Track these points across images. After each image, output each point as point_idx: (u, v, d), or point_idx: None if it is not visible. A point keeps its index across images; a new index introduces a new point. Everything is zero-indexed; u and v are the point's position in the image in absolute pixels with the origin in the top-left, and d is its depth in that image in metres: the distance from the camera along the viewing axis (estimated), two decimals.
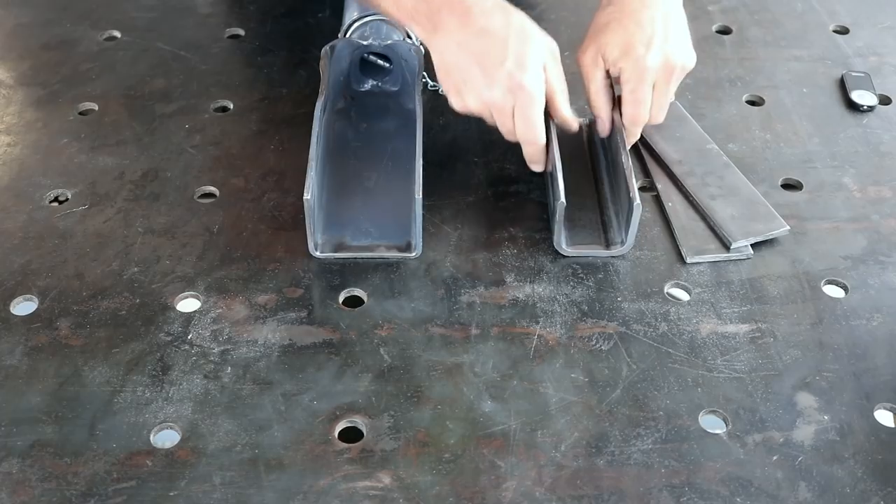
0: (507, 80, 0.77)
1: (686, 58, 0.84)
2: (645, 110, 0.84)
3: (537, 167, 0.84)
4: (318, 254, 0.79)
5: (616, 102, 0.86)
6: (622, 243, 0.79)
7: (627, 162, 0.80)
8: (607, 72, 0.84)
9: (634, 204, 0.76)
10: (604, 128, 0.86)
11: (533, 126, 0.79)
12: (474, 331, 0.75)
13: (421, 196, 0.77)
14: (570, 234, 0.81)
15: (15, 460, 0.66)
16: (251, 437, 0.67)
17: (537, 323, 0.75)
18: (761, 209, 0.83)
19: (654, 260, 0.81)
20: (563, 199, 0.77)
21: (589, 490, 0.64)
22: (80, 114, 0.95)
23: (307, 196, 0.76)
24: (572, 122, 0.83)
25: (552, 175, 0.80)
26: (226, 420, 0.68)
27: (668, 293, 0.78)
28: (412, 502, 0.64)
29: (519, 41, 0.78)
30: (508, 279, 0.78)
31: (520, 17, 0.79)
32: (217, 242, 0.81)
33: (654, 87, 0.83)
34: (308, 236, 0.78)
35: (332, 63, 0.88)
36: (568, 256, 0.80)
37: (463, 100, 0.80)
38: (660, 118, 0.85)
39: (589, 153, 0.89)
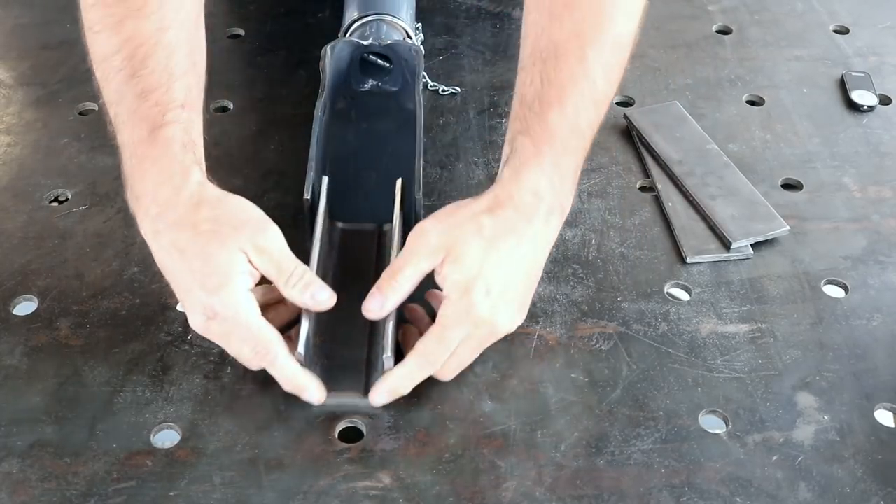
0: (201, 308, 0.67)
1: (513, 325, 0.71)
2: (438, 363, 0.69)
3: (305, 395, 0.68)
4: (300, 350, 0.76)
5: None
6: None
7: (389, 330, 0.69)
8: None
9: (385, 357, 0.68)
10: (374, 314, 0.69)
11: (256, 354, 0.67)
12: None
13: (421, 196, 0.77)
14: (326, 375, 0.70)
15: (15, 460, 0.66)
16: (251, 437, 0.67)
17: (537, 323, 0.75)
18: (761, 209, 0.83)
19: (654, 260, 0.81)
20: (301, 349, 0.67)
21: (589, 490, 0.64)
22: (80, 114, 0.95)
23: (307, 196, 0.76)
24: (323, 301, 0.69)
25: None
26: (226, 420, 0.68)
27: (668, 293, 0.78)
28: (412, 502, 0.64)
29: (203, 253, 0.66)
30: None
31: (210, 212, 0.67)
32: None
33: (461, 342, 0.69)
34: (308, 236, 0.78)
35: (332, 63, 0.88)
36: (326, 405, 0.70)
37: (191, 321, 0.69)
38: (446, 376, 0.70)
39: (376, 267, 0.77)
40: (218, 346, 0.72)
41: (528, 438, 0.67)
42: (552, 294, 0.77)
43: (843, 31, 1.07)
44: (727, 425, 0.69)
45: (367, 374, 0.71)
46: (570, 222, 0.83)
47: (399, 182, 0.78)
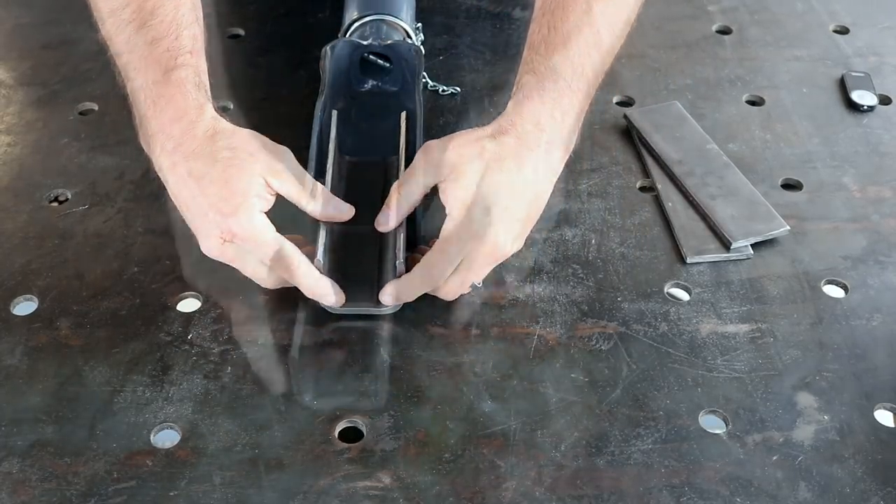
0: (218, 231, 0.70)
1: (512, 247, 0.73)
2: (441, 276, 0.72)
3: (325, 300, 0.73)
4: (319, 257, 0.78)
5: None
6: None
7: (401, 240, 0.73)
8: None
9: (398, 262, 0.72)
10: (384, 226, 0.75)
11: (278, 267, 0.71)
12: (474, 331, 0.75)
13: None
14: (341, 289, 0.73)
15: (15, 460, 0.66)
16: (251, 437, 0.67)
17: (537, 323, 0.75)
18: (761, 209, 0.83)
19: (654, 260, 0.81)
20: (319, 257, 0.72)
21: (589, 490, 0.64)
22: (81, 114, 0.95)
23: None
24: (342, 213, 0.74)
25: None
26: (226, 420, 0.68)
27: (668, 293, 0.78)
28: (412, 502, 0.64)
29: (221, 178, 0.69)
30: (508, 279, 0.78)
31: (225, 142, 0.70)
32: None
33: (463, 260, 0.72)
34: (308, 236, 0.78)
35: (332, 63, 0.88)
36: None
37: (205, 246, 0.72)
38: (449, 294, 0.74)
39: (383, 194, 0.78)
40: (218, 346, 0.72)
41: (528, 438, 0.67)
42: (552, 294, 0.77)
43: (843, 31, 1.07)
44: (727, 425, 0.69)
45: (378, 289, 0.74)
46: (570, 222, 0.83)
47: (403, 115, 0.83)
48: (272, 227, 0.71)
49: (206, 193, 0.69)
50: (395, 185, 0.75)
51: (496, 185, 0.71)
